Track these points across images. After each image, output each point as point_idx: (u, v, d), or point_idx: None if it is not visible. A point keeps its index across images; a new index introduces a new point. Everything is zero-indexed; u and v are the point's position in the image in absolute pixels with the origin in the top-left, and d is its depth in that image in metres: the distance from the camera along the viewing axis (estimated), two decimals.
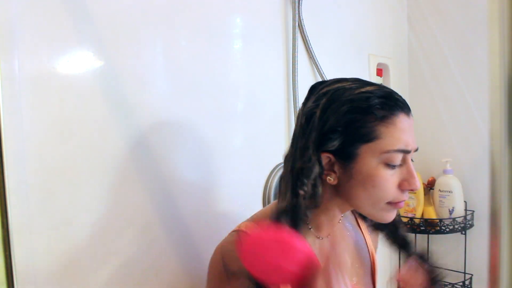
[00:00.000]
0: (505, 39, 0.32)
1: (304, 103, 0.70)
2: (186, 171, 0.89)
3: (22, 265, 0.62)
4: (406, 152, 0.65)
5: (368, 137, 0.63)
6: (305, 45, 1.21)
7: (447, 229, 1.56)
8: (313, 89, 0.70)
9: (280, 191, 0.69)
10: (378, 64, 1.60)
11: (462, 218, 1.58)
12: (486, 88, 0.33)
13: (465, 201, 1.63)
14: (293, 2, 1.15)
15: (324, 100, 0.66)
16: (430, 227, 1.58)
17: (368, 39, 1.55)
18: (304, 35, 1.19)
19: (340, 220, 0.78)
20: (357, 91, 0.65)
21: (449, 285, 1.67)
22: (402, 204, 0.68)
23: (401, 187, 0.66)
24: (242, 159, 1.02)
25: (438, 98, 1.72)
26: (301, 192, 0.65)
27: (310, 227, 0.74)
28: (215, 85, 0.95)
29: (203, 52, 0.92)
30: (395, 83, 1.69)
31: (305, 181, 0.65)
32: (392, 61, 1.68)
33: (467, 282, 1.64)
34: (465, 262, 1.64)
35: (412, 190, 0.66)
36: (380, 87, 0.67)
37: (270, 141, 1.08)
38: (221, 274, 0.69)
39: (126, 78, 0.78)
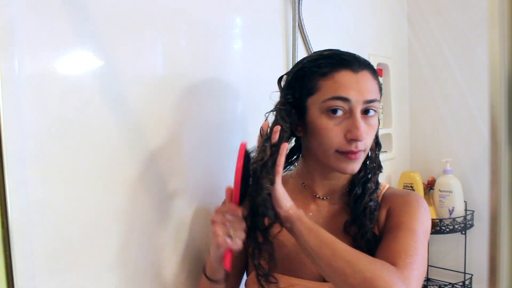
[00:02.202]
0: (505, 39, 0.32)
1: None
2: (186, 171, 0.89)
3: (22, 265, 0.62)
4: (343, 99, 0.73)
5: (311, 90, 0.75)
6: (305, 45, 1.21)
7: (447, 229, 1.56)
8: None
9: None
10: (378, 64, 1.60)
11: (462, 218, 1.58)
12: (486, 88, 0.33)
13: (465, 201, 1.63)
14: (293, 2, 1.15)
15: (289, 72, 0.82)
16: None
17: (368, 39, 1.55)
18: (304, 35, 1.19)
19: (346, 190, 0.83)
20: (308, 59, 0.79)
21: (449, 285, 1.67)
22: (353, 155, 0.74)
23: (346, 137, 0.73)
24: None
25: (438, 98, 1.72)
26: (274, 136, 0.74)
27: (304, 184, 0.84)
28: (215, 85, 0.95)
29: (203, 52, 0.92)
30: (395, 83, 1.69)
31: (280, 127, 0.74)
32: (392, 61, 1.68)
33: (467, 282, 1.64)
34: (465, 262, 1.64)
35: (355, 140, 0.72)
36: (333, 50, 0.78)
37: None
38: None
39: (126, 78, 0.78)
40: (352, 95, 0.73)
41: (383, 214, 0.80)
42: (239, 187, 0.70)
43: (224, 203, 0.80)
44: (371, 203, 0.79)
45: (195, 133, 0.91)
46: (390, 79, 1.66)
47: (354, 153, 0.74)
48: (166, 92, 0.85)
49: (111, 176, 0.75)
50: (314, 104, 0.75)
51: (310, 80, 0.76)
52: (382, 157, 1.61)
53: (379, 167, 0.83)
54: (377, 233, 0.79)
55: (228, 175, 0.99)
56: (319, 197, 0.83)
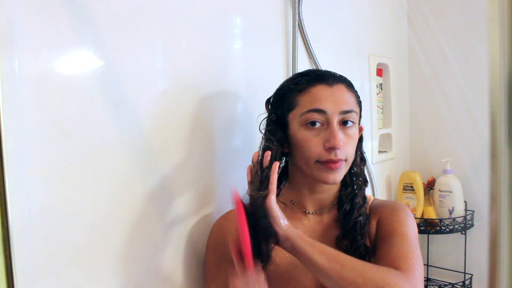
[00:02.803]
0: (505, 39, 0.32)
1: None
2: (186, 171, 0.89)
3: (22, 265, 0.62)
4: (319, 111, 0.77)
5: (291, 106, 0.80)
6: (305, 45, 1.21)
7: (447, 229, 1.56)
8: None
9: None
10: (378, 64, 1.60)
11: (462, 218, 1.58)
12: (486, 88, 0.33)
13: (465, 201, 1.63)
14: (293, 2, 1.15)
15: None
16: (430, 227, 1.58)
17: (368, 39, 1.55)
18: (304, 35, 1.19)
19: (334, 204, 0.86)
20: (290, 78, 0.86)
21: (449, 285, 1.67)
22: (333, 165, 0.77)
23: (324, 146, 0.77)
24: (242, 159, 1.02)
25: (438, 98, 1.72)
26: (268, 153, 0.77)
27: (292, 201, 0.87)
28: (215, 85, 0.95)
29: (203, 52, 0.92)
30: (395, 83, 1.69)
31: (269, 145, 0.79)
32: (392, 61, 1.68)
33: (467, 282, 1.64)
34: (465, 262, 1.65)
35: (333, 148, 0.76)
36: (310, 69, 0.85)
37: None
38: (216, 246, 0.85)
39: (126, 78, 0.78)
40: (327, 106, 0.77)
41: (373, 225, 0.84)
42: (250, 246, 0.65)
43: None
44: (361, 218, 0.82)
45: (194, 133, 0.91)
46: (390, 79, 1.66)
47: (334, 162, 0.77)
48: (166, 92, 0.85)
49: (111, 176, 0.75)
50: (294, 119, 0.79)
51: (289, 97, 0.81)
52: (382, 157, 1.62)
53: (364, 182, 0.87)
54: (368, 244, 0.82)
55: (228, 175, 0.99)
56: (309, 212, 0.86)
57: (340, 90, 0.80)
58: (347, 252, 0.79)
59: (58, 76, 0.68)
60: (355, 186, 0.84)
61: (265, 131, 0.83)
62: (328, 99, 0.78)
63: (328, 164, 0.77)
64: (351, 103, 0.80)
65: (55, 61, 0.67)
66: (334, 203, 0.86)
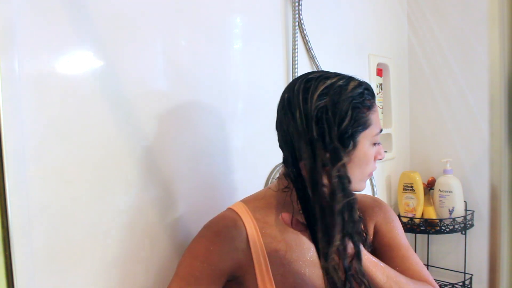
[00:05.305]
0: (505, 39, 0.32)
1: (303, 101, 0.71)
2: (186, 171, 0.89)
3: (22, 265, 0.62)
4: (381, 131, 0.77)
5: (365, 125, 0.73)
6: (305, 45, 1.21)
7: (447, 229, 1.56)
8: (307, 89, 0.72)
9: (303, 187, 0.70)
10: (378, 64, 1.60)
11: (462, 218, 1.58)
12: (486, 88, 0.33)
13: (465, 201, 1.63)
14: (293, 2, 1.15)
15: (327, 100, 0.71)
16: (430, 227, 1.58)
17: (368, 39, 1.55)
18: (304, 35, 1.19)
19: None
20: (350, 89, 0.74)
21: (449, 285, 1.67)
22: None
23: (375, 159, 0.77)
24: (242, 159, 1.02)
25: (438, 98, 1.72)
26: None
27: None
28: (215, 85, 0.95)
29: (203, 52, 0.92)
30: (395, 83, 1.69)
31: (336, 170, 0.68)
32: (392, 61, 1.68)
33: (467, 282, 1.64)
34: (465, 262, 1.65)
35: (380, 159, 0.78)
36: (359, 81, 0.76)
37: (270, 141, 1.08)
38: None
39: (126, 78, 0.78)
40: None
41: (370, 228, 0.85)
42: None
43: None
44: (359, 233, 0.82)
45: (195, 133, 0.91)
46: (390, 79, 1.66)
47: None
48: (166, 92, 0.85)
49: (111, 176, 0.75)
50: (366, 138, 0.74)
51: (363, 114, 0.73)
52: None
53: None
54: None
55: (228, 175, 0.99)
56: None
57: None
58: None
59: (58, 76, 0.68)
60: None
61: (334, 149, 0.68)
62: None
63: (371, 173, 0.79)
64: None
65: (55, 61, 0.67)
66: None
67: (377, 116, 0.76)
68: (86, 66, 0.71)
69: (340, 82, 0.74)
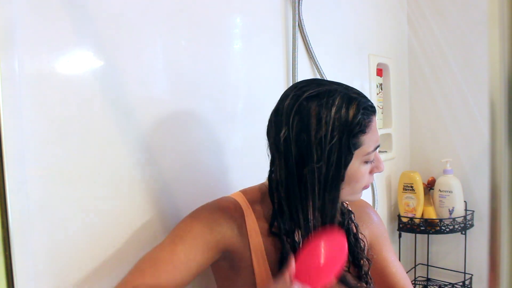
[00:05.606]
0: (505, 39, 0.32)
1: (294, 115, 0.72)
2: (186, 171, 0.89)
3: (22, 265, 0.62)
4: (378, 147, 0.76)
5: (356, 147, 0.72)
6: (305, 45, 1.21)
7: (447, 229, 1.56)
8: (300, 106, 0.71)
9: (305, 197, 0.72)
10: (378, 64, 1.60)
11: (462, 218, 1.58)
12: (486, 88, 0.33)
13: (465, 201, 1.63)
14: (293, 2, 1.15)
15: (324, 130, 0.70)
16: (430, 227, 1.58)
17: (368, 39, 1.55)
18: (304, 35, 1.19)
19: None
20: (351, 118, 0.70)
21: (449, 285, 1.67)
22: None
23: (371, 172, 0.77)
24: (242, 159, 1.02)
25: (438, 98, 1.72)
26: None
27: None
28: (215, 85, 0.95)
29: (203, 52, 0.92)
30: (395, 83, 1.69)
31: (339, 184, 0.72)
32: (392, 61, 1.68)
33: (467, 282, 1.64)
34: (465, 262, 1.65)
35: (377, 172, 0.78)
36: (359, 100, 0.71)
37: None
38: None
39: (126, 78, 0.78)
40: (379, 139, 0.77)
41: (366, 235, 0.86)
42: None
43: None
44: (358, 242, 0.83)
45: (195, 133, 0.91)
46: (390, 79, 1.66)
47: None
48: (166, 92, 0.85)
49: (111, 176, 0.75)
50: (356, 158, 0.72)
51: (354, 137, 0.71)
52: (382, 157, 1.61)
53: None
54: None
55: (228, 175, 0.99)
56: None
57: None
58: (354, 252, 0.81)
59: (58, 76, 0.68)
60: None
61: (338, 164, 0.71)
62: (377, 130, 0.75)
63: (367, 186, 0.78)
64: None
65: (55, 61, 0.67)
66: None
67: (371, 134, 0.72)
68: (86, 66, 0.71)
69: (340, 113, 0.70)
